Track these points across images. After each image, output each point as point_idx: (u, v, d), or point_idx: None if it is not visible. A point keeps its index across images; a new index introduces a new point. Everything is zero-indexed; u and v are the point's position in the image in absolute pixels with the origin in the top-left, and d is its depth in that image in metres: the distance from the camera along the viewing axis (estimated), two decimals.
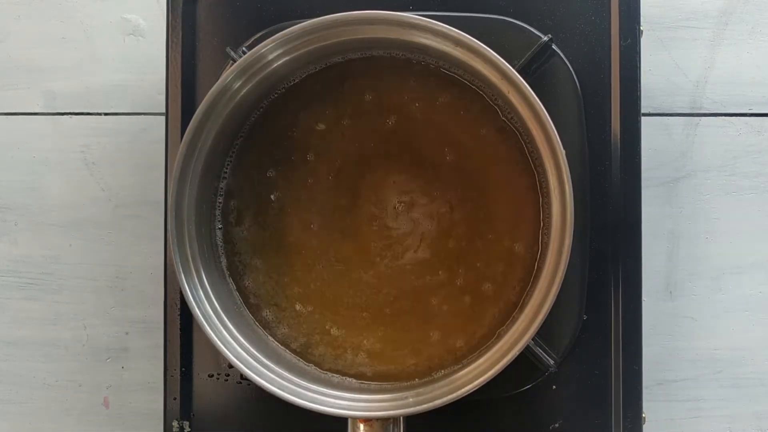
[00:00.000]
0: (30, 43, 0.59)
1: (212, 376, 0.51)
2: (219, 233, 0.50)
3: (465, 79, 0.48)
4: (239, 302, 0.50)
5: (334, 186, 0.49)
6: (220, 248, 0.50)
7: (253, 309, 0.50)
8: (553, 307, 0.43)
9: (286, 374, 0.46)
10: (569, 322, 0.49)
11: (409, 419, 0.47)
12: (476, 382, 0.43)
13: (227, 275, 0.50)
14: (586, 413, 0.50)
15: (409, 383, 0.48)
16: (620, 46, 0.50)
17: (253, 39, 0.50)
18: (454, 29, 0.43)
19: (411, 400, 0.45)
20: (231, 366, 0.48)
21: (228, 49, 0.48)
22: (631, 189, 0.50)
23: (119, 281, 0.59)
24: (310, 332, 0.49)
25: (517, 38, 0.49)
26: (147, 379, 0.58)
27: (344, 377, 0.49)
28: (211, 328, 0.45)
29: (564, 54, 0.50)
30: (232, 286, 0.50)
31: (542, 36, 0.49)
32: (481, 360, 0.45)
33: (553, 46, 0.49)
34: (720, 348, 0.58)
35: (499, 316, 0.48)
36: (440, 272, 0.49)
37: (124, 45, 0.59)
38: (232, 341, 0.46)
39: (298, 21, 0.45)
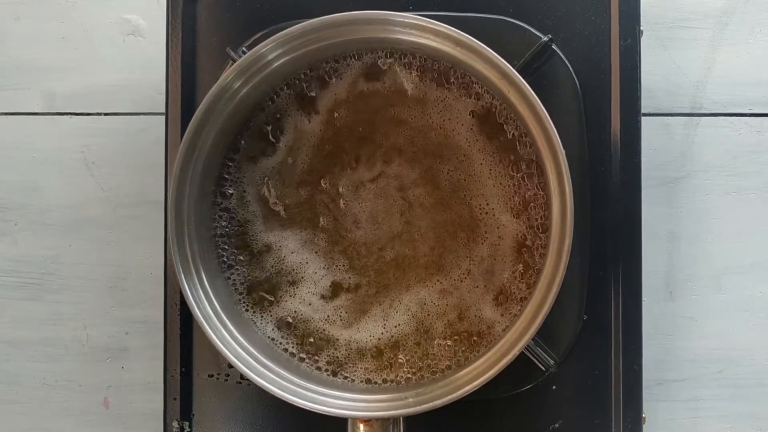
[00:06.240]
0: (30, 43, 0.59)
1: (212, 376, 0.51)
2: (219, 233, 0.50)
3: (465, 79, 0.48)
4: (239, 302, 0.49)
5: (337, 183, 0.49)
6: (220, 248, 0.50)
7: (253, 309, 0.50)
8: (553, 307, 0.43)
9: (286, 374, 0.46)
10: (569, 322, 0.49)
11: (409, 419, 0.47)
12: (476, 382, 0.43)
13: (227, 275, 0.49)
14: (586, 413, 0.50)
15: (409, 383, 0.48)
16: (620, 46, 0.50)
17: (253, 39, 0.50)
18: (454, 29, 0.43)
19: (411, 400, 0.45)
20: (231, 366, 0.48)
21: (228, 49, 0.48)
22: (631, 189, 0.50)
23: (119, 281, 0.59)
24: (312, 331, 0.49)
25: (517, 38, 0.49)
26: (147, 379, 0.58)
27: (345, 377, 0.49)
28: (211, 328, 0.45)
29: (564, 54, 0.50)
30: (232, 286, 0.50)
31: (542, 36, 0.49)
32: (481, 360, 0.45)
33: (553, 46, 0.49)
34: (720, 348, 0.58)
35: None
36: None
37: (124, 45, 0.59)
38: (232, 341, 0.46)
39: (298, 21, 0.45)
